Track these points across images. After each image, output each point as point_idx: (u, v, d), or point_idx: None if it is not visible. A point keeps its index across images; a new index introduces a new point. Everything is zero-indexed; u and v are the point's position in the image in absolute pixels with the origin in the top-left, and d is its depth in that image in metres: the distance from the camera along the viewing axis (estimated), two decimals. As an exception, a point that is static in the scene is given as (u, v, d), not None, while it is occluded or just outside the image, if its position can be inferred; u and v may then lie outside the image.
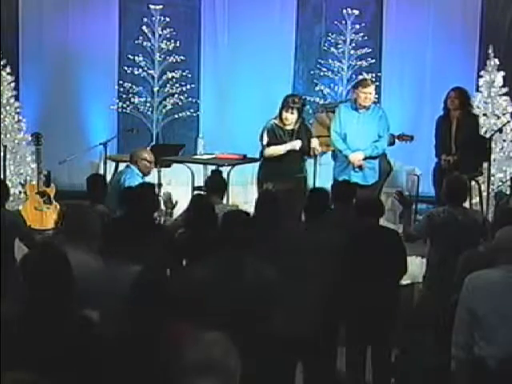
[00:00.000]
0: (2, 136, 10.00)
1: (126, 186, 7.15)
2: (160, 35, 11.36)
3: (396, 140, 9.25)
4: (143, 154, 7.97)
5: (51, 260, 3.79)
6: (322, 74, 11.42)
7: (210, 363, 2.93)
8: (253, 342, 4.58)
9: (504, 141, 10.01)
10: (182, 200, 6.74)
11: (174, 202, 6.96)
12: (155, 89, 11.47)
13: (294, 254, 5.50)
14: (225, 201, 7.16)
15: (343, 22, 11.29)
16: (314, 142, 8.24)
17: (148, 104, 11.46)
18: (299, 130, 8.13)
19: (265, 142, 8.10)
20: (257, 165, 8.43)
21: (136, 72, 11.38)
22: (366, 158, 8.27)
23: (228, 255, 4.78)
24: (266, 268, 4.81)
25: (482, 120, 9.78)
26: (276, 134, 8.08)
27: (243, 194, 9.78)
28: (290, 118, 8.05)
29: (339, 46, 11.36)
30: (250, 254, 4.79)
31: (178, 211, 6.84)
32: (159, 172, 8.73)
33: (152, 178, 8.47)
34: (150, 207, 5.87)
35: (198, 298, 4.41)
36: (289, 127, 8.10)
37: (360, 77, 10.56)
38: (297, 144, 8.08)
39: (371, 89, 8.33)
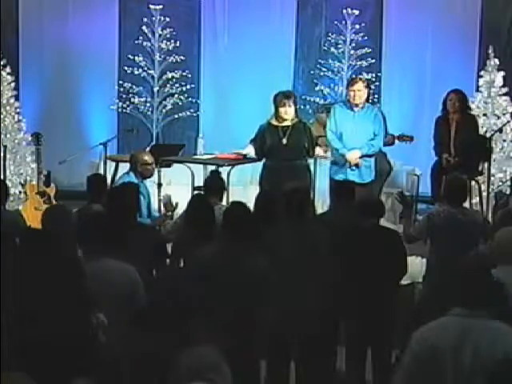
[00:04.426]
0: (2, 136, 10.00)
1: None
2: (160, 35, 11.36)
3: (396, 140, 9.25)
4: (143, 157, 7.63)
5: None
6: (321, 73, 11.41)
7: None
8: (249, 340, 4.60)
9: (504, 141, 10.00)
10: (182, 200, 6.74)
11: (174, 204, 6.95)
12: (155, 89, 11.47)
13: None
14: (224, 201, 7.16)
15: (343, 21, 11.28)
16: (318, 150, 8.41)
17: (148, 104, 11.46)
18: (294, 127, 8.05)
19: (251, 139, 8.17)
20: (256, 165, 8.42)
21: (136, 72, 11.39)
22: (362, 157, 8.26)
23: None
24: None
25: (481, 120, 9.77)
26: (267, 132, 8.03)
27: (243, 194, 9.77)
28: (289, 111, 7.98)
29: (339, 46, 11.35)
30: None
31: (178, 212, 6.85)
32: (159, 172, 8.72)
33: (152, 177, 8.47)
34: (130, 206, 5.89)
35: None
36: (284, 124, 8.04)
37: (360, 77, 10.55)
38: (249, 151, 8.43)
39: (359, 86, 8.25)
